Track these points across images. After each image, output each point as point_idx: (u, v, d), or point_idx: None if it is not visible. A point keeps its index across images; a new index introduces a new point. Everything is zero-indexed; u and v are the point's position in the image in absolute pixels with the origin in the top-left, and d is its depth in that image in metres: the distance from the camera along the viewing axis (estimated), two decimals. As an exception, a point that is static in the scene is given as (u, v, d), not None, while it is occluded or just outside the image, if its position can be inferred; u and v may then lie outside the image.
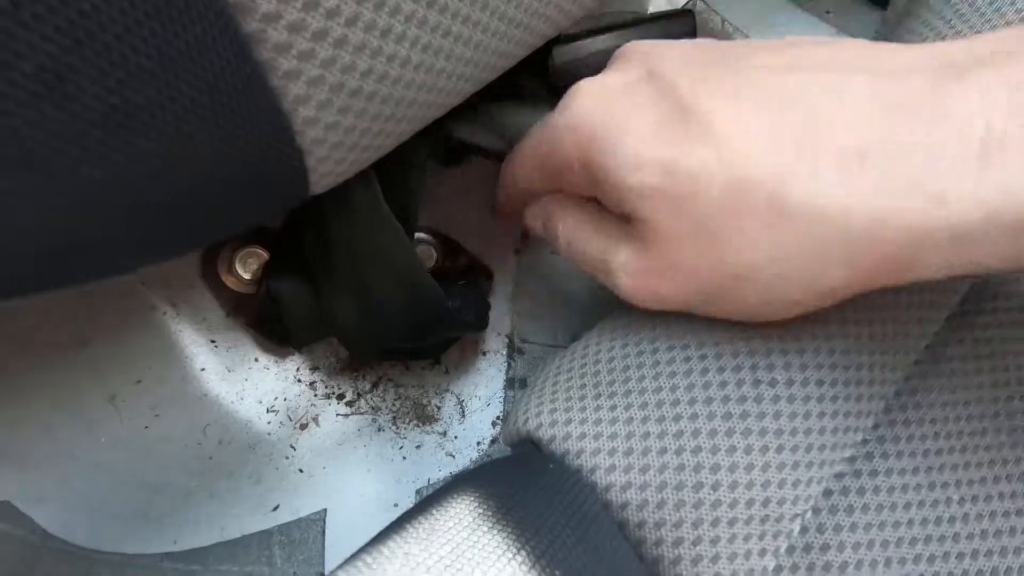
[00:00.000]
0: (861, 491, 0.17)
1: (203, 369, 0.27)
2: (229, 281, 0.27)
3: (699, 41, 0.18)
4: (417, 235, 0.31)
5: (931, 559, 0.17)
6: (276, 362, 0.29)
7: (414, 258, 0.24)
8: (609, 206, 0.18)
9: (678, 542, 0.16)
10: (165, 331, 0.26)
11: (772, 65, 0.16)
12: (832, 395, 0.17)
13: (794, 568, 0.16)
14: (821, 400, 0.17)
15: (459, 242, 0.32)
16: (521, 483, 0.17)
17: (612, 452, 0.17)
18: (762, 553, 0.16)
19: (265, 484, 0.27)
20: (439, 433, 0.31)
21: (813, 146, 0.14)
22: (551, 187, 0.20)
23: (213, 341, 0.27)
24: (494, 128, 0.26)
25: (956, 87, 0.13)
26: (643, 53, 0.17)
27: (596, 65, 0.19)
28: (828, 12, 0.36)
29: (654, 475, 0.16)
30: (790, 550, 0.16)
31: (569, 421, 0.18)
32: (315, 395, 0.29)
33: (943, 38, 0.22)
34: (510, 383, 0.32)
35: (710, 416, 0.17)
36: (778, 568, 0.16)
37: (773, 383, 0.17)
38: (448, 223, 0.32)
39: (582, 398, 0.19)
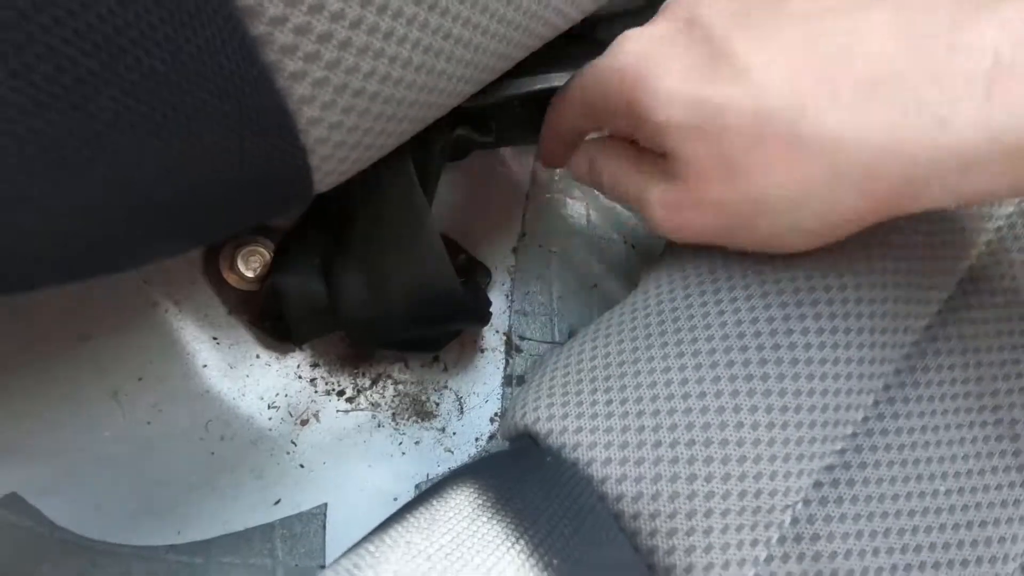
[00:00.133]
0: (851, 483, 0.17)
1: (205, 365, 0.27)
2: (231, 279, 0.27)
3: None
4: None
5: (918, 549, 0.17)
6: (277, 359, 0.29)
7: (438, 241, 0.24)
8: (647, 144, 0.19)
9: (672, 532, 0.16)
10: (167, 328, 0.27)
11: (807, 10, 0.17)
12: (822, 389, 0.18)
13: (785, 558, 0.17)
14: (811, 394, 0.18)
15: (457, 241, 0.32)
16: (519, 475, 0.17)
17: (608, 445, 0.17)
18: (754, 543, 0.16)
19: (267, 479, 0.27)
20: (438, 429, 0.31)
21: (832, 78, 0.15)
22: (596, 128, 0.22)
23: (215, 338, 0.28)
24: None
25: (974, 18, 0.14)
26: (686, 2, 0.19)
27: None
28: None
29: (648, 467, 0.17)
30: (781, 540, 0.17)
31: (566, 415, 0.18)
32: (316, 391, 0.30)
33: None
34: (508, 380, 0.33)
35: (703, 410, 0.17)
36: (769, 558, 0.17)
37: (764, 378, 0.18)
38: (447, 222, 0.33)
39: (578, 393, 0.19)
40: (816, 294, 0.19)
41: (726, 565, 0.16)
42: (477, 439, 0.32)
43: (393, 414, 0.31)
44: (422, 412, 0.31)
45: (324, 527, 0.26)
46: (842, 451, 0.18)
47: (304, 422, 0.29)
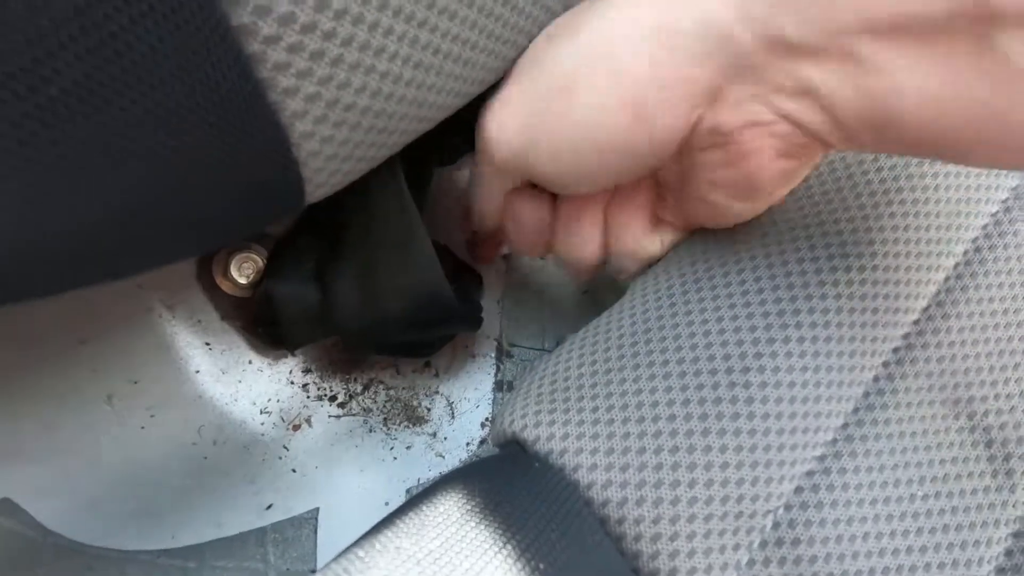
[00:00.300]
0: (830, 488, 0.18)
1: (198, 371, 0.28)
2: (224, 285, 0.28)
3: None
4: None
5: (896, 552, 0.18)
6: (270, 364, 0.29)
7: (429, 247, 0.24)
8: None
9: (656, 537, 0.17)
10: (161, 333, 0.27)
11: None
12: (803, 396, 0.18)
13: (766, 562, 0.17)
14: (792, 401, 0.18)
15: (448, 247, 0.33)
16: (507, 481, 0.17)
17: (594, 451, 0.18)
18: (736, 547, 0.17)
19: (259, 483, 0.27)
20: (429, 434, 0.31)
21: None
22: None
23: (208, 343, 0.28)
24: None
25: None
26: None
27: None
28: None
29: (633, 473, 0.17)
30: (763, 544, 0.17)
31: (553, 422, 0.19)
32: (308, 397, 0.30)
33: None
34: (499, 386, 0.33)
35: (687, 417, 0.18)
36: (751, 562, 0.17)
37: (747, 385, 0.18)
38: (437, 229, 0.33)
39: (565, 400, 0.19)
40: (797, 303, 0.19)
41: (709, 569, 0.16)
42: (468, 444, 0.32)
43: (385, 419, 0.31)
44: (413, 417, 0.31)
45: (316, 531, 0.27)
46: (822, 457, 0.18)
47: (296, 427, 0.29)
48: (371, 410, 0.31)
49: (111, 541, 0.23)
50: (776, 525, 0.17)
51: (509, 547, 0.15)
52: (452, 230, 0.33)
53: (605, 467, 0.18)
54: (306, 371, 0.30)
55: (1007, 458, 0.19)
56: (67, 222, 0.12)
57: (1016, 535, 0.19)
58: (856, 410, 0.19)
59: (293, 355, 0.30)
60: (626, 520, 0.17)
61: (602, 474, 0.17)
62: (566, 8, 0.21)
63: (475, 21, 0.18)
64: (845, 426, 0.19)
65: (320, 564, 0.26)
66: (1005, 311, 0.21)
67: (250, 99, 0.14)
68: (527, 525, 0.16)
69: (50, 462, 0.23)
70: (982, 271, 0.21)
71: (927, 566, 0.18)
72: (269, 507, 0.27)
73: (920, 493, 0.18)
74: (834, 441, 0.18)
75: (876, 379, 0.20)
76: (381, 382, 0.31)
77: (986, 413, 0.20)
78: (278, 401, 0.29)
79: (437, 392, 0.32)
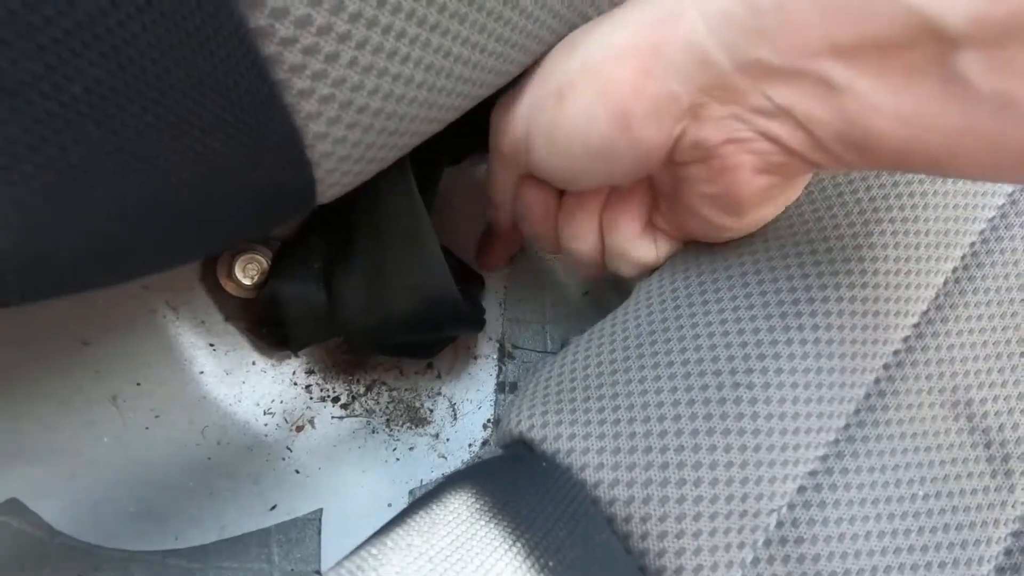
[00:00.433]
0: (833, 487, 0.18)
1: (202, 372, 0.28)
2: (228, 286, 0.28)
3: None
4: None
5: (897, 551, 0.18)
6: (273, 365, 0.29)
7: (437, 249, 0.25)
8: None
9: (663, 535, 0.17)
10: (165, 334, 0.27)
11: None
12: (805, 397, 0.19)
13: (771, 560, 0.17)
14: (795, 402, 0.18)
15: (451, 248, 0.33)
16: (515, 480, 0.17)
17: (601, 451, 0.18)
18: (740, 546, 0.17)
19: (263, 484, 0.27)
20: (431, 435, 0.32)
21: None
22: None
23: (212, 344, 0.28)
24: None
25: None
26: None
27: None
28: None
29: (640, 472, 0.17)
30: (767, 543, 0.17)
31: (560, 422, 0.19)
32: (311, 398, 0.30)
33: None
34: (501, 387, 0.33)
35: (692, 417, 0.18)
36: (756, 560, 0.17)
37: (751, 386, 0.18)
38: (440, 230, 0.33)
39: (572, 400, 0.19)
40: (800, 306, 0.20)
41: (714, 567, 0.17)
42: (470, 445, 0.32)
43: (387, 420, 0.31)
44: (416, 418, 0.32)
45: (319, 532, 0.27)
46: (824, 457, 0.18)
47: (299, 428, 0.29)
48: (374, 411, 0.31)
49: (114, 542, 0.23)
50: (780, 524, 0.18)
51: (519, 545, 0.15)
52: (458, 231, 0.33)
53: (612, 466, 0.18)
54: (309, 372, 0.30)
55: (1006, 458, 0.20)
56: (79, 225, 0.12)
57: (1015, 535, 0.19)
58: (857, 411, 0.19)
59: (296, 356, 0.30)
60: (633, 518, 0.17)
61: (609, 473, 0.18)
62: (574, 12, 0.21)
63: (484, 24, 0.19)
64: (847, 427, 0.19)
65: (324, 565, 0.26)
66: (1003, 315, 0.21)
67: (266, 101, 0.14)
68: (535, 524, 0.16)
69: (53, 463, 0.23)
70: (980, 275, 0.22)
71: (928, 565, 0.18)
72: (273, 508, 0.27)
73: (921, 493, 0.19)
74: (836, 441, 0.19)
75: (877, 381, 0.20)
76: (384, 383, 0.31)
77: (985, 414, 0.20)
78: (281, 402, 0.29)
79: (439, 393, 0.32)
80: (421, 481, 0.30)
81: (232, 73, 0.13)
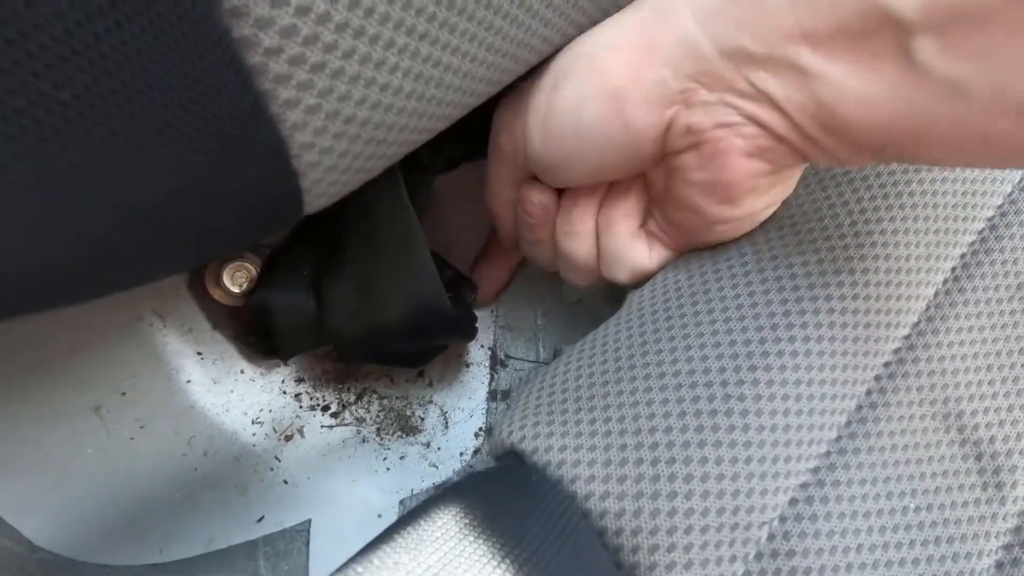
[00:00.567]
0: (824, 500, 0.18)
1: (189, 381, 0.27)
2: (216, 294, 0.27)
3: None
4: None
5: (888, 564, 0.18)
6: (262, 374, 0.29)
7: (429, 257, 0.25)
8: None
9: (653, 548, 0.17)
10: (151, 342, 0.27)
11: None
12: (797, 409, 0.18)
13: (762, 573, 0.17)
14: (787, 413, 0.18)
15: (442, 256, 0.33)
16: (505, 494, 0.17)
17: (592, 463, 0.18)
18: (732, 559, 0.17)
19: (250, 495, 0.27)
20: (423, 444, 0.31)
21: None
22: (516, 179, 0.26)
23: (199, 353, 0.28)
24: None
25: None
26: None
27: None
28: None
29: (631, 485, 0.17)
30: (758, 556, 0.17)
31: (551, 434, 0.19)
32: (300, 407, 0.30)
33: None
34: (492, 395, 0.33)
35: (683, 429, 0.18)
36: (747, 573, 0.17)
37: (742, 398, 0.18)
38: (432, 237, 0.33)
39: (563, 412, 0.19)
40: (791, 317, 0.20)
41: None
42: (462, 454, 0.32)
43: (378, 429, 0.31)
44: (407, 427, 0.31)
45: (308, 544, 0.26)
46: (816, 469, 0.18)
47: (288, 438, 0.29)
48: (364, 420, 0.31)
49: (98, 556, 0.23)
50: (771, 537, 0.17)
51: (507, 562, 0.15)
52: (452, 237, 0.33)
53: (603, 478, 0.18)
54: (299, 381, 0.30)
55: (997, 470, 0.20)
56: (61, 237, 0.12)
57: (1007, 547, 0.19)
58: (849, 423, 0.19)
59: (286, 365, 0.30)
60: (623, 531, 0.17)
61: (600, 485, 0.17)
62: (565, 20, 0.21)
63: (474, 34, 0.18)
64: (838, 439, 0.19)
65: (312, 577, 0.26)
66: (993, 326, 0.21)
67: (251, 111, 0.14)
68: (525, 539, 0.16)
69: (33, 476, 0.23)
70: (970, 287, 0.22)
71: (920, 577, 0.18)
72: (260, 519, 0.27)
73: (912, 505, 0.19)
74: (828, 453, 0.19)
75: (868, 392, 0.20)
76: (374, 392, 0.31)
77: (976, 426, 0.20)
78: (270, 411, 0.29)
79: (431, 402, 0.32)
80: (412, 491, 0.30)
81: (216, 83, 0.13)
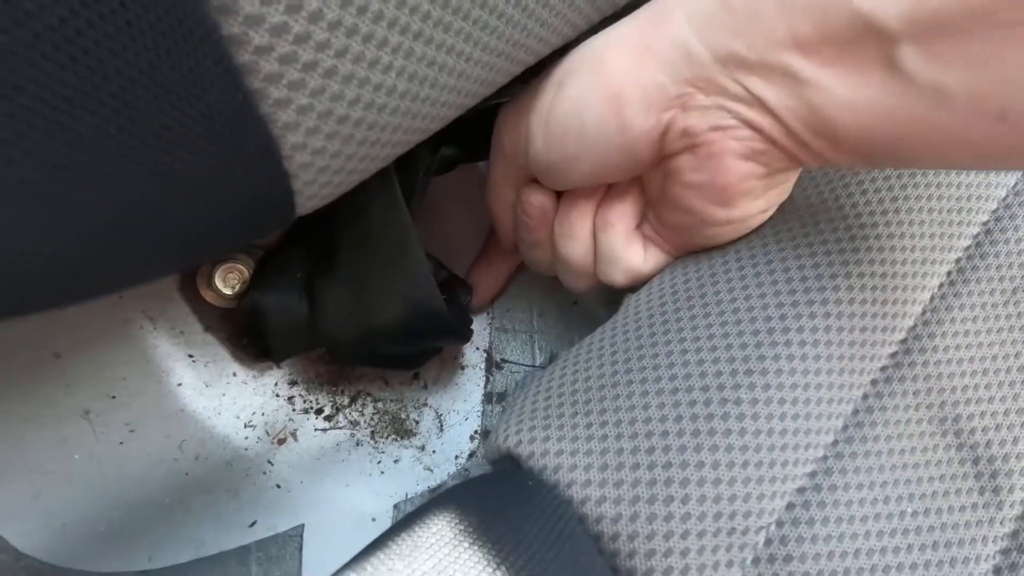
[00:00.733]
0: (821, 504, 0.18)
1: (180, 384, 0.27)
2: (208, 296, 0.27)
3: None
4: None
5: (886, 569, 0.18)
6: (254, 377, 0.29)
7: (423, 259, 0.24)
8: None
9: (650, 553, 0.17)
10: (141, 345, 0.26)
11: None
12: (794, 413, 0.18)
13: (759, 578, 0.17)
14: (783, 418, 0.18)
15: (438, 257, 0.33)
16: (501, 500, 0.17)
17: (588, 467, 0.18)
18: (729, 564, 0.17)
19: (242, 500, 0.27)
20: (417, 447, 0.31)
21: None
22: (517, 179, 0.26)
23: (191, 355, 0.27)
24: None
25: None
26: None
27: None
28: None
29: (627, 489, 0.17)
30: (755, 561, 0.17)
31: (547, 438, 0.19)
32: (293, 410, 0.29)
33: None
34: (488, 397, 0.33)
35: (679, 433, 0.18)
36: None
37: (739, 402, 0.18)
38: (427, 239, 0.33)
39: (560, 416, 0.19)
40: (787, 321, 0.19)
41: None
42: (457, 457, 0.31)
43: (372, 432, 0.31)
44: (401, 430, 0.31)
45: (301, 549, 0.26)
46: (813, 473, 0.18)
47: (281, 441, 0.29)
48: (358, 423, 0.30)
49: (85, 563, 0.22)
50: (768, 542, 0.17)
51: (503, 568, 0.15)
52: (448, 238, 0.33)
53: (599, 483, 0.17)
54: (292, 383, 0.30)
55: (994, 475, 0.20)
56: (56, 237, 0.12)
57: (1004, 552, 0.19)
58: (845, 427, 0.19)
59: (279, 367, 0.29)
60: (620, 536, 0.17)
61: (596, 490, 0.17)
62: (561, 20, 0.21)
63: (469, 33, 0.18)
64: (835, 443, 0.19)
65: (305, 583, 0.26)
66: (989, 330, 0.21)
67: (240, 111, 0.14)
68: (520, 546, 0.16)
69: (20, 482, 0.22)
70: (966, 291, 0.22)
71: (917, 582, 0.18)
72: (252, 524, 0.26)
73: (909, 510, 0.19)
74: (824, 458, 0.19)
75: (865, 397, 0.20)
76: (369, 394, 0.31)
77: (973, 430, 0.20)
78: (263, 414, 0.28)
79: (426, 404, 0.32)
80: (406, 495, 0.30)
81: (202, 82, 0.13)
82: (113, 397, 0.25)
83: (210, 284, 0.27)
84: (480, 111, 0.24)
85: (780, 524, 0.17)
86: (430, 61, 0.17)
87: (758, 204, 0.21)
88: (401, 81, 0.17)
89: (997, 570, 0.19)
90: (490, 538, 0.15)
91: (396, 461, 0.30)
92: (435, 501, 0.17)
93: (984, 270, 0.22)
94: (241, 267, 0.27)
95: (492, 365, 0.34)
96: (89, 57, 0.10)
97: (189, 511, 0.25)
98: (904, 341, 0.21)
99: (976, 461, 0.20)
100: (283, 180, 0.16)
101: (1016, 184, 0.23)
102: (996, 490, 0.20)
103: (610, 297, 0.36)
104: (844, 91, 0.16)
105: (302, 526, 0.27)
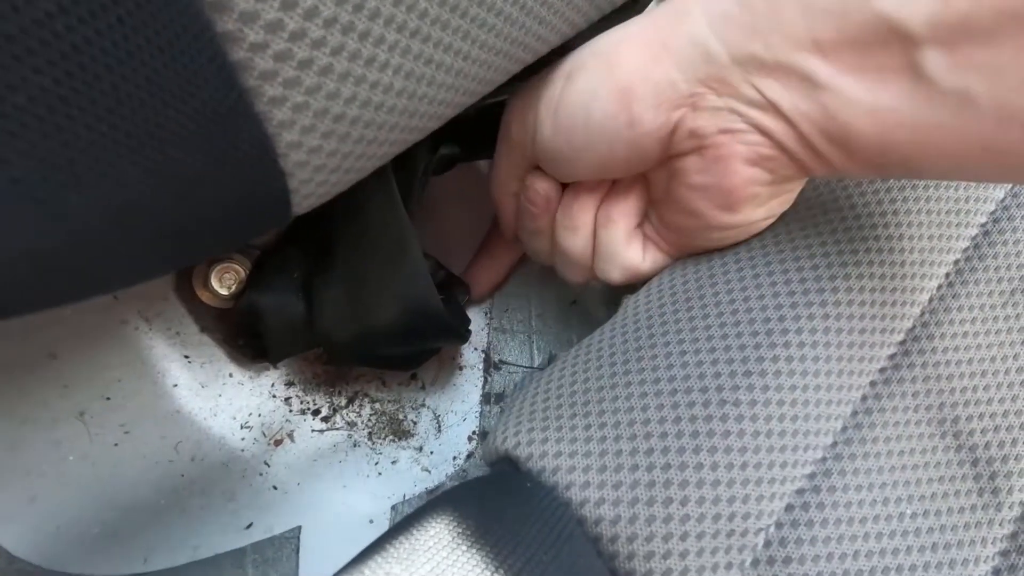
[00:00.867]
0: (820, 506, 0.18)
1: (176, 385, 0.27)
2: (204, 296, 0.27)
3: None
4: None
5: (885, 570, 0.18)
6: (251, 378, 0.28)
7: (421, 260, 0.24)
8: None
9: (649, 556, 0.17)
10: (137, 346, 0.26)
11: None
12: (793, 415, 0.18)
13: (759, 580, 0.17)
14: (782, 419, 0.18)
15: (436, 257, 0.32)
16: (499, 502, 0.17)
17: (587, 469, 0.18)
18: (728, 566, 0.17)
19: (238, 501, 0.26)
20: (415, 448, 0.31)
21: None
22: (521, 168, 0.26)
23: (187, 356, 0.27)
24: None
25: None
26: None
27: None
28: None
29: (626, 491, 0.17)
30: (755, 563, 0.17)
31: (546, 440, 0.18)
32: (290, 411, 0.29)
33: None
34: (486, 398, 0.33)
35: (678, 434, 0.18)
36: None
37: (737, 403, 0.18)
38: (425, 238, 0.33)
39: (558, 418, 0.19)
40: (786, 322, 0.19)
41: None
42: (455, 458, 0.31)
43: (370, 433, 0.30)
44: (399, 431, 0.31)
45: (297, 551, 0.26)
46: (812, 475, 0.18)
47: (278, 442, 0.28)
48: (355, 424, 0.30)
49: (79, 567, 0.22)
50: (768, 543, 0.17)
51: (501, 571, 0.15)
52: (446, 238, 0.33)
53: (597, 484, 0.17)
54: (289, 384, 0.29)
55: (993, 476, 0.20)
56: (28, 243, 0.12)
57: (1003, 553, 0.19)
58: (845, 429, 0.19)
59: (275, 368, 0.29)
60: (619, 538, 0.17)
61: (594, 492, 0.17)
62: (561, 19, 0.21)
63: (467, 31, 0.18)
64: (834, 445, 0.19)
65: (301, 585, 0.26)
66: (988, 332, 0.21)
67: (234, 109, 0.14)
68: (519, 548, 0.15)
69: (15, 484, 0.22)
70: (964, 292, 0.22)
71: (916, 583, 0.18)
72: (249, 526, 0.26)
73: (908, 511, 0.19)
74: (823, 459, 0.18)
75: (864, 398, 0.20)
76: (366, 395, 0.31)
77: (971, 432, 0.20)
78: (259, 415, 0.28)
79: (423, 405, 0.32)
80: (404, 496, 0.30)
81: (196, 80, 0.12)
82: (108, 398, 0.25)
83: (206, 284, 0.27)
84: (479, 109, 0.24)
85: (779, 526, 0.17)
86: (428, 59, 0.17)
87: (760, 211, 0.21)
88: (398, 79, 0.17)
89: (996, 571, 0.19)
90: (488, 541, 0.15)
91: (394, 462, 0.30)
92: (432, 504, 0.17)
93: (982, 272, 0.22)
94: (237, 267, 0.27)
95: (490, 366, 0.33)
96: (80, 55, 0.10)
97: (185, 513, 0.25)
98: (903, 343, 0.21)
99: (975, 463, 0.20)
100: (279, 179, 0.16)
101: (1014, 186, 0.23)
102: (995, 491, 0.19)
103: (609, 297, 0.36)
104: (863, 96, 0.16)
105: (299, 528, 0.27)
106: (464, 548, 0.15)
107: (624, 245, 0.24)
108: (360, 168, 0.18)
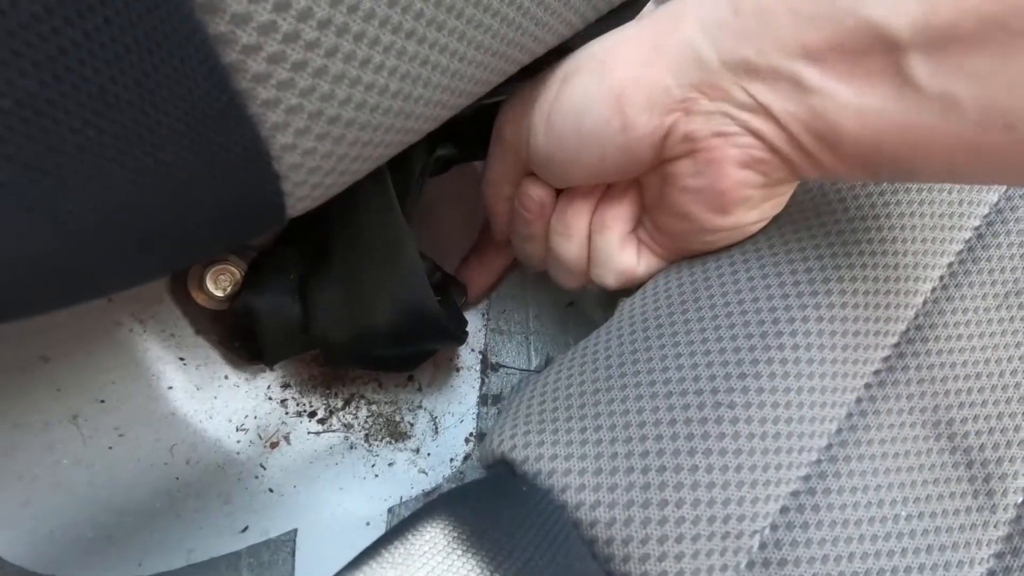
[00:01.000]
0: (815, 508, 0.18)
1: (171, 387, 0.27)
2: (199, 298, 0.27)
3: None
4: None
5: (880, 572, 0.18)
6: (247, 380, 0.28)
7: (418, 261, 0.24)
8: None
9: (644, 558, 0.17)
10: (131, 348, 0.26)
11: None
12: (787, 417, 0.18)
13: (754, 583, 0.17)
14: (777, 421, 0.18)
15: (432, 258, 0.32)
16: (495, 506, 0.17)
17: (582, 472, 0.18)
18: (724, 568, 0.17)
19: (234, 504, 0.26)
20: (412, 450, 0.31)
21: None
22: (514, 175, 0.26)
23: (182, 358, 0.27)
24: None
25: None
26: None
27: None
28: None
29: (621, 493, 0.17)
30: (750, 565, 0.17)
31: (542, 443, 0.18)
32: (286, 413, 0.29)
33: None
34: (483, 399, 0.33)
35: (673, 437, 0.18)
36: None
37: (732, 405, 0.18)
38: (422, 239, 0.32)
39: (554, 420, 0.19)
40: (780, 325, 0.19)
41: None
42: (452, 460, 0.31)
43: (366, 435, 0.30)
44: (396, 433, 0.31)
45: (293, 554, 0.26)
46: (807, 477, 0.18)
47: (274, 445, 0.28)
48: (352, 426, 0.30)
49: (73, 571, 0.22)
50: (763, 545, 0.17)
51: (497, 575, 0.15)
52: (443, 239, 0.32)
53: (593, 487, 0.17)
54: (285, 386, 0.29)
55: (987, 479, 0.20)
56: (26, 245, 0.12)
57: (998, 555, 0.19)
58: (839, 431, 0.19)
59: (271, 370, 0.29)
60: (614, 540, 0.17)
61: (590, 495, 0.17)
62: (558, 20, 0.21)
63: (463, 32, 0.18)
64: (829, 447, 0.19)
65: (297, 588, 0.26)
66: (982, 334, 0.21)
67: (226, 111, 0.14)
68: (515, 552, 0.15)
69: (8, 488, 0.22)
70: (958, 295, 0.22)
71: (912, 585, 0.18)
72: (244, 529, 0.26)
73: (903, 513, 0.19)
74: (818, 461, 0.19)
75: (859, 400, 0.20)
76: (362, 397, 0.31)
77: (966, 434, 0.20)
78: (255, 418, 0.28)
79: (420, 407, 0.32)
80: (401, 498, 0.29)
81: (187, 82, 0.12)
82: (102, 401, 0.25)
83: (201, 286, 0.27)
84: (476, 110, 0.24)
85: (774, 528, 0.17)
86: (423, 60, 0.17)
87: (753, 214, 0.21)
88: (393, 80, 0.17)
89: (991, 573, 0.19)
90: (484, 545, 0.15)
91: (390, 464, 0.30)
92: (428, 507, 0.17)
93: (976, 274, 0.22)
94: (232, 268, 0.27)
95: (487, 367, 0.33)
96: (66, 57, 0.10)
97: (180, 516, 0.25)
98: (897, 345, 0.21)
99: (969, 464, 0.20)
100: (273, 181, 0.16)
101: (1008, 189, 0.23)
102: (990, 493, 0.20)
103: (606, 299, 0.36)
104: (851, 99, 0.17)
105: (295, 531, 0.27)
106: (460, 552, 0.15)
107: (618, 250, 0.24)
108: (355, 170, 0.18)
